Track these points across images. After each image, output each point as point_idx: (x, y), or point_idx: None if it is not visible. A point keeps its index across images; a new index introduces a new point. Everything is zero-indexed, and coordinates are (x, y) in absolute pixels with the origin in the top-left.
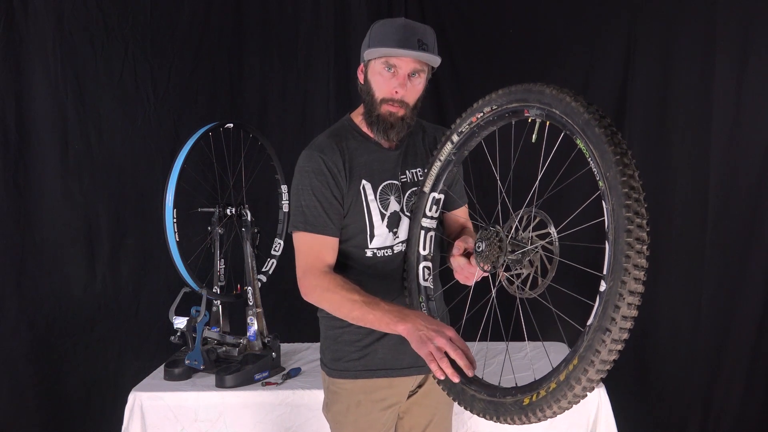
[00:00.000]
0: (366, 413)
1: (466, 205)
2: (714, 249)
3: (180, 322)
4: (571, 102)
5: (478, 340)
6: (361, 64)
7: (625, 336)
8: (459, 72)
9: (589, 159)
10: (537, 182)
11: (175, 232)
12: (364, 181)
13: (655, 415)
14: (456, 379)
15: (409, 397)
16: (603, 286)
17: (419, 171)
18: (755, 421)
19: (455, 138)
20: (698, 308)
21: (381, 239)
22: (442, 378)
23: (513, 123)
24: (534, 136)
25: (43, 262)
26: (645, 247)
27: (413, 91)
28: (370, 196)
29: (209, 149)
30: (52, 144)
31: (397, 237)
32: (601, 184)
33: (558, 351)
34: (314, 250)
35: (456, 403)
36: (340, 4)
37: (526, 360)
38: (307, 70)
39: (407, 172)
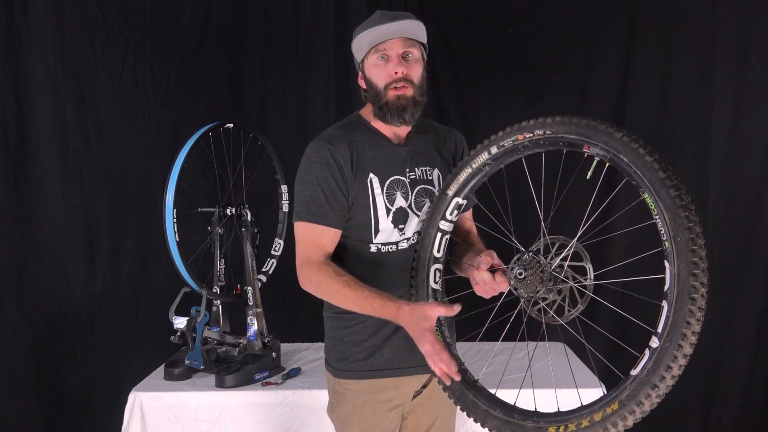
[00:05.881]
0: (371, 414)
1: (471, 209)
2: (714, 249)
3: (180, 322)
4: (645, 155)
5: (501, 340)
6: (360, 72)
7: (669, 391)
8: (459, 72)
9: (656, 217)
10: (585, 217)
11: (175, 232)
12: (371, 174)
13: (655, 415)
14: (448, 382)
15: (414, 397)
16: (655, 343)
17: (428, 169)
18: (755, 421)
19: (494, 150)
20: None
21: (386, 235)
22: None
23: (564, 152)
24: (589, 174)
25: (43, 262)
26: (702, 315)
27: (412, 68)
28: (377, 190)
29: (209, 149)
30: (52, 144)
31: (403, 234)
32: (667, 244)
33: (556, 351)
34: (313, 240)
35: (465, 415)
36: (340, 4)
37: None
38: (307, 70)
39: (416, 169)
